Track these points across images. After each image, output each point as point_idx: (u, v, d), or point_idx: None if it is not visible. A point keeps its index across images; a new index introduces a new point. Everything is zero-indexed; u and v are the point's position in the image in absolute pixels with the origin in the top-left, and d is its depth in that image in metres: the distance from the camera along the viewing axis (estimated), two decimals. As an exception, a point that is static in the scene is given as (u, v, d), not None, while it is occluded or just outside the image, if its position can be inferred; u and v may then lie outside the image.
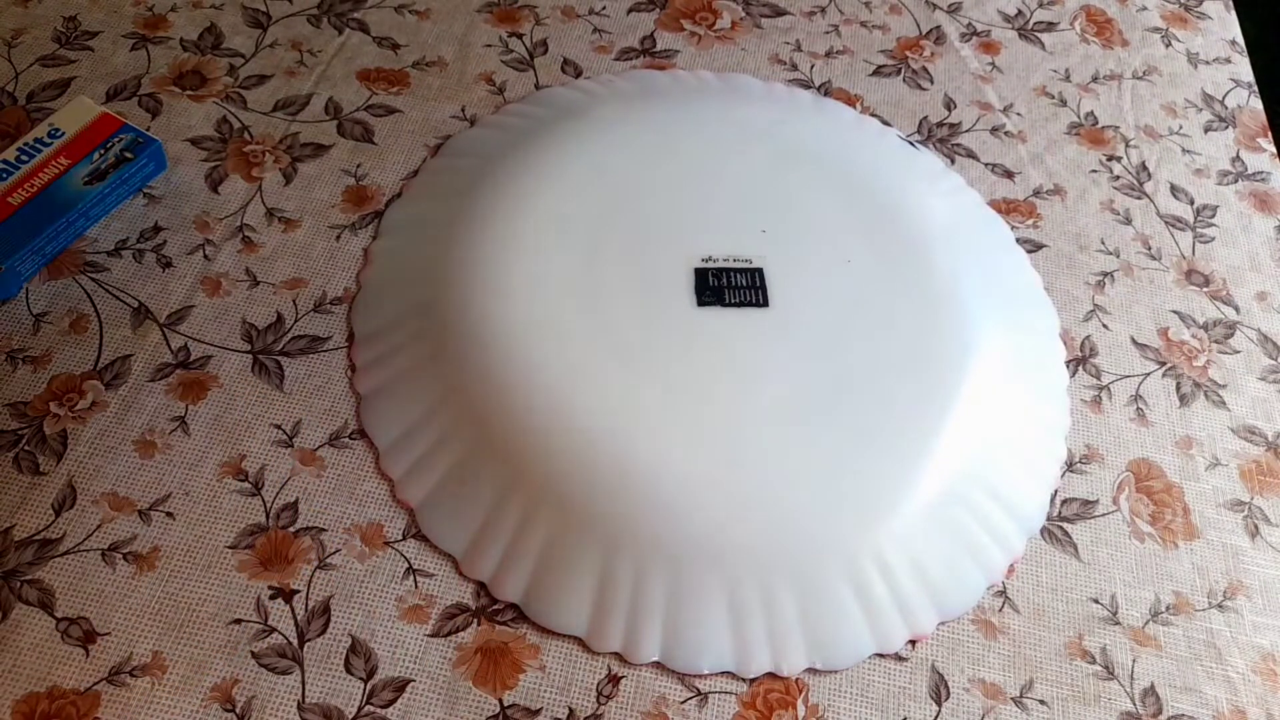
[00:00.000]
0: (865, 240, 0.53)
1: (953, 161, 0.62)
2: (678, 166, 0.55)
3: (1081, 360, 0.55)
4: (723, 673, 0.44)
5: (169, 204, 0.56)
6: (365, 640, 0.44)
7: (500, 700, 0.43)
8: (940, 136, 0.63)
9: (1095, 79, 0.68)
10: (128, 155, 0.54)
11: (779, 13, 0.69)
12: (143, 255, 0.54)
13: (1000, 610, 0.47)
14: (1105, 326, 0.56)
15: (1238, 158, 0.65)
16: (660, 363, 0.48)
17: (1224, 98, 0.68)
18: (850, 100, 0.65)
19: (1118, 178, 0.63)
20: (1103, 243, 0.59)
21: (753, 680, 0.44)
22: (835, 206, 0.55)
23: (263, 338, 0.52)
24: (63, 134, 0.54)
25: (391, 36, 0.65)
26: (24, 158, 0.53)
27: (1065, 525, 0.49)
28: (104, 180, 0.54)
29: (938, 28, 0.70)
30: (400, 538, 0.46)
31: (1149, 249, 0.60)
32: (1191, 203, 0.62)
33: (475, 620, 0.45)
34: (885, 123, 0.63)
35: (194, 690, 0.42)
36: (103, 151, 0.54)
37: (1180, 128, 0.66)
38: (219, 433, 0.48)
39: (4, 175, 0.53)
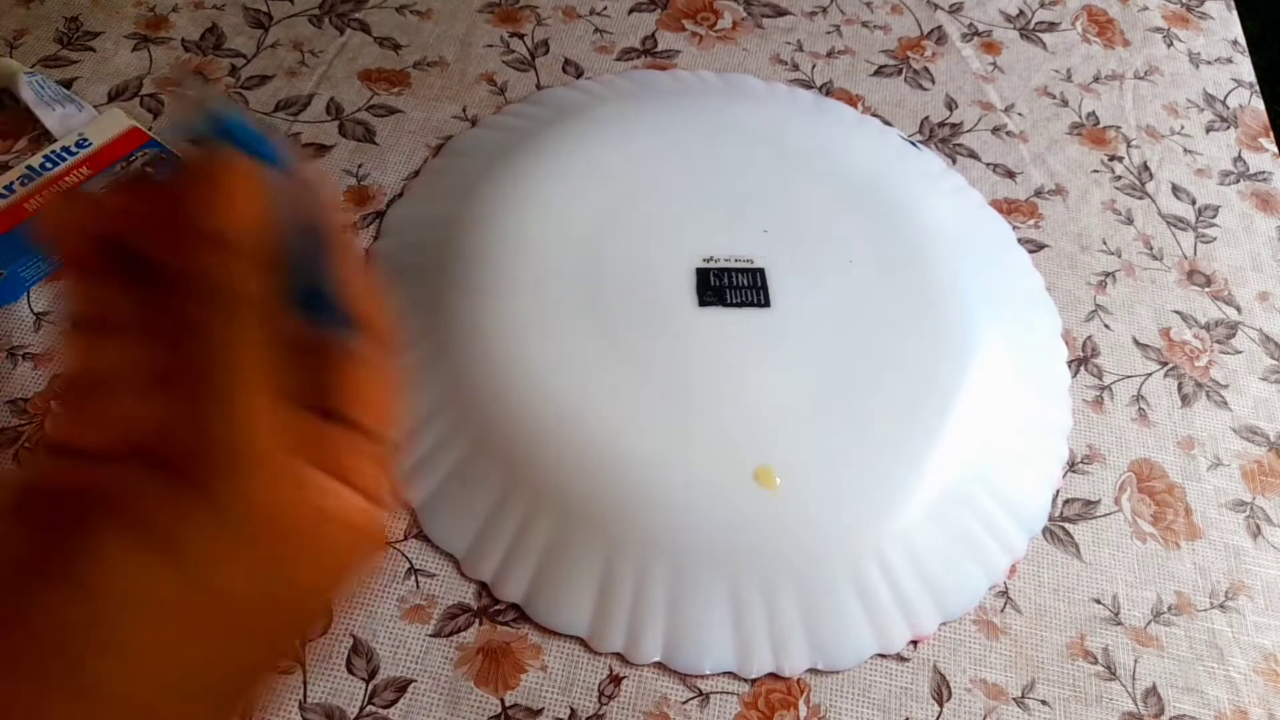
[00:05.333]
0: (867, 240, 0.53)
1: (954, 161, 0.62)
2: (679, 166, 0.55)
3: (1083, 360, 0.55)
4: (724, 673, 0.44)
5: (170, 204, 0.56)
6: (367, 640, 0.44)
7: (502, 700, 0.43)
8: (942, 136, 0.63)
9: (1097, 79, 0.68)
10: (148, 170, 0.54)
11: (780, 13, 0.69)
12: (144, 255, 0.54)
13: (1002, 610, 0.46)
14: (1107, 327, 0.56)
15: (1239, 158, 0.65)
16: (661, 363, 0.48)
17: (1225, 97, 0.68)
18: (851, 100, 0.65)
19: (1119, 178, 0.63)
20: (1104, 243, 0.59)
21: (754, 680, 0.44)
22: (837, 206, 0.54)
23: (264, 338, 0.52)
24: (90, 144, 0.54)
25: (393, 37, 0.65)
26: (48, 165, 0.53)
27: (1067, 525, 0.49)
28: None
29: (939, 28, 0.70)
30: (402, 538, 0.46)
31: (1151, 249, 0.59)
32: (1193, 203, 0.62)
33: (477, 620, 0.45)
34: (886, 123, 0.63)
35: (195, 690, 0.42)
36: (125, 164, 0.54)
37: (1182, 128, 0.66)
38: (220, 433, 0.48)
39: (25, 180, 0.52)
